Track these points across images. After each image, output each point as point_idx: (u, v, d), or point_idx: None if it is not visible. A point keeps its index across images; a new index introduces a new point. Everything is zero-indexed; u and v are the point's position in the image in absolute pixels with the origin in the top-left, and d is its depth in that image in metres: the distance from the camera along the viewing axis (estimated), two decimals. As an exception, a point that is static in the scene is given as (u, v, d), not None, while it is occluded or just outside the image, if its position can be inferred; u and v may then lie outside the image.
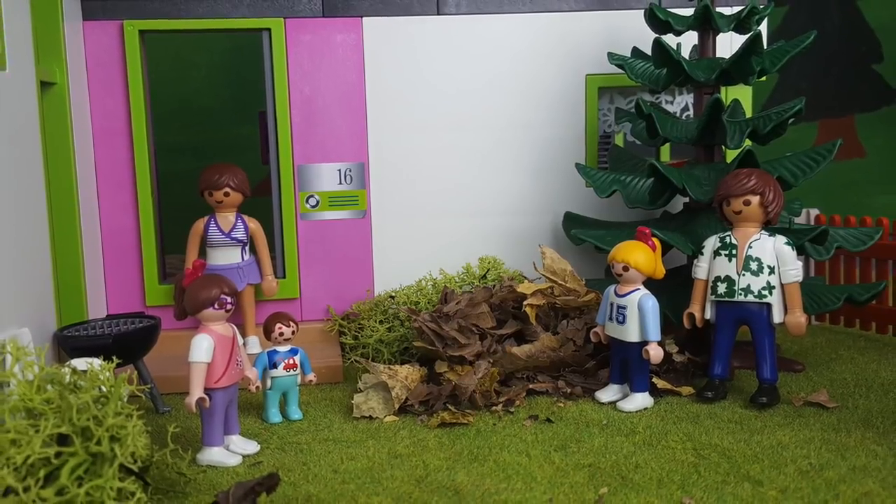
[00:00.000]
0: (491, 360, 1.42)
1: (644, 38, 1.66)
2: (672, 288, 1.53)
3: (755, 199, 1.35)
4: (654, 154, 1.86)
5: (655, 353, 1.33)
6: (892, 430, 1.23)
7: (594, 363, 1.49)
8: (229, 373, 1.19)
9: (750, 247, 1.36)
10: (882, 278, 1.77)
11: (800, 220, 1.82)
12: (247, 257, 1.68)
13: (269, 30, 1.70)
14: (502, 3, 1.77)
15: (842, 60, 2.91)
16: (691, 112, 1.82)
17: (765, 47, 1.55)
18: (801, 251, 1.44)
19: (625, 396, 1.39)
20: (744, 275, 1.36)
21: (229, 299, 1.18)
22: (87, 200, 1.63)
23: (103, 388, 0.97)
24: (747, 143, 1.55)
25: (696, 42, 1.65)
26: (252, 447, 1.22)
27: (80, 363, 1.12)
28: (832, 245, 1.55)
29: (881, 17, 2.89)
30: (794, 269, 1.35)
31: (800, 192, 1.72)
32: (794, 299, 1.36)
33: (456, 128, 1.79)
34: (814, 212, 1.90)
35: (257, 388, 1.27)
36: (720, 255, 1.39)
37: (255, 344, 1.67)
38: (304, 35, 1.72)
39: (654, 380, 1.41)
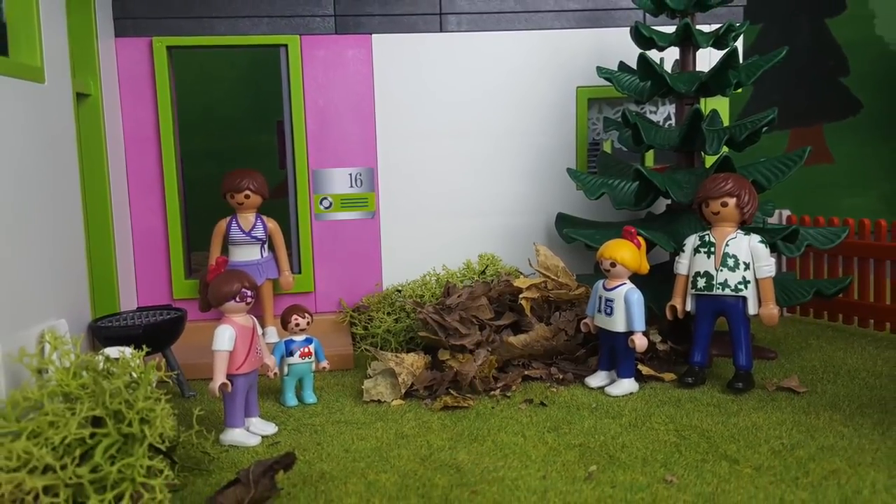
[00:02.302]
0: (489, 349, 1.42)
1: (630, 53, 1.66)
2: (656, 282, 1.52)
3: (732, 201, 1.35)
4: (640, 160, 1.86)
5: (640, 342, 1.33)
6: (858, 412, 1.22)
7: (584, 351, 1.49)
8: (249, 360, 1.19)
9: (727, 245, 1.36)
10: (848, 274, 1.77)
11: (773, 220, 1.82)
12: (265, 254, 1.68)
13: (286, 46, 1.70)
14: (500, 21, 1.77)
15: (811, 74, 2.91)
16: (673, 121, 1.82)
17: (741, 62, 1.55)
18: (773, 249, 1.44)
19: (612, 382, 1.38)
20: (721, 270, 1.36)
21: (249, 293, 1.18)
22: (119, 203, 1.63)
23: (134, 375, 0.97)
24: (724, 149, 1.54)
25: (677, 57, 1.64)
26: (270, 428, 1.21)
27: (112, 351, 1.12)
28: (802, 243, 1.56)
29: (848, 35, 2.89)
30: (767, 265, 1.35)
31: (773, 195, 1.72)
32: (767, 293, 1.35)
33: (457, 135, 1.79)
34: (785, 212, 1.89)
35: (275, 374, 1.27)
36: (700, 252, 1.39)
37: (273, 334, 1.67)
38: (319, 50, 1.72)
39: (640, 367, 1.41)
